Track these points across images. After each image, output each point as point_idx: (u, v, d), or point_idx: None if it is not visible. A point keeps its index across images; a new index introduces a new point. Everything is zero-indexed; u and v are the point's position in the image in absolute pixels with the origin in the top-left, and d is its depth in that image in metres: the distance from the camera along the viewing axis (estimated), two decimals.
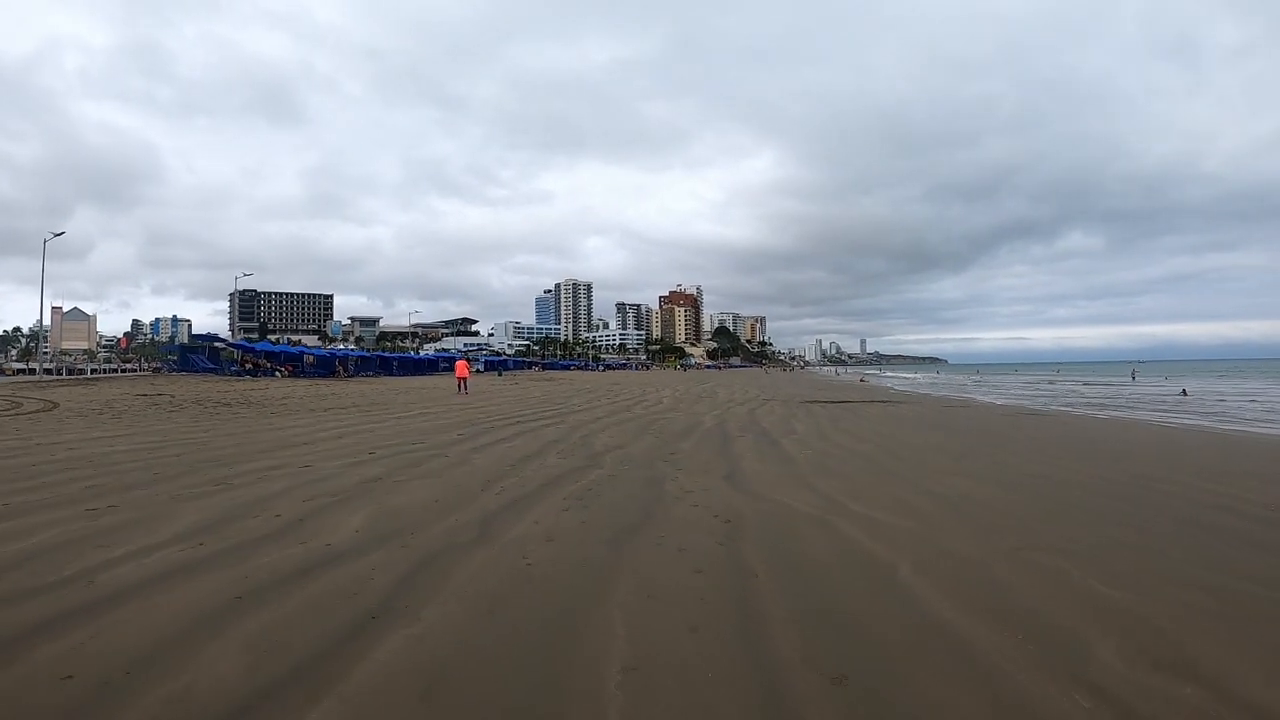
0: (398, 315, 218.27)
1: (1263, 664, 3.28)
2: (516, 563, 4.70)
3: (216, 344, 59.65)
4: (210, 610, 3.81)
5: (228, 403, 21.21)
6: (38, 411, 17.74)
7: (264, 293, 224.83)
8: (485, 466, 8.94)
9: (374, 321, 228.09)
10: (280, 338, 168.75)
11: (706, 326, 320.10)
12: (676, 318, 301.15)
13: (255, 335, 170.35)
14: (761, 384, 49.49)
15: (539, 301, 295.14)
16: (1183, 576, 4.60)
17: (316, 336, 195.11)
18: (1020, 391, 45.98)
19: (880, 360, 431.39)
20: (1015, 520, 6.17)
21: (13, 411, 17.85)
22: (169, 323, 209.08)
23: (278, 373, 48.29)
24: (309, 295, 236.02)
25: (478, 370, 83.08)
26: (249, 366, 49.49)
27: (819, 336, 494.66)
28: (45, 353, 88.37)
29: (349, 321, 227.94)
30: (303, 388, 31.87)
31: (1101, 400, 34.83)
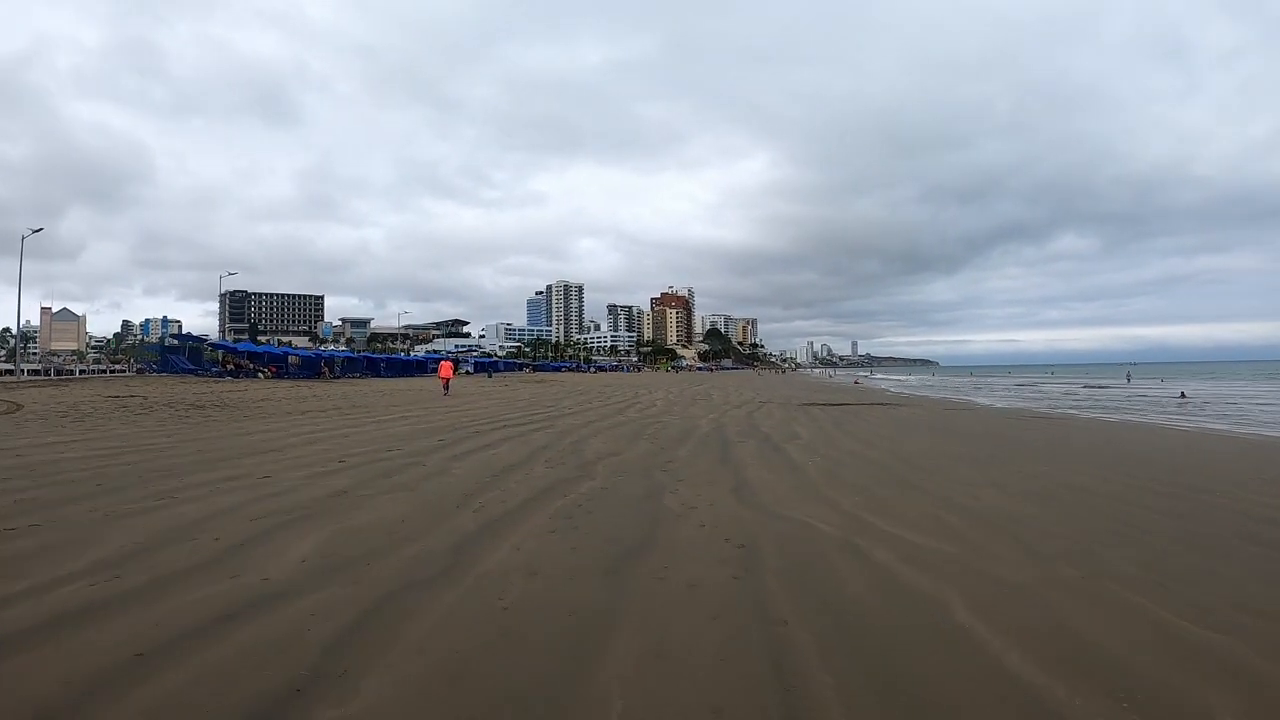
0: (389, 317, 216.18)
1: None
2: (490, 606, 3.86)
3: (199, 344, 58.47)
4: (100, 673, 2.98)
5: (201, 405, 20.23)
6: None
7: (255, 293, 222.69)
8: (465, 477, 8.10)
9: (365, 323, 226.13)
10: (271, 339, 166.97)
11: (698, 328, 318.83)
12: (668, 320, 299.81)
13: (245, 336, 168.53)
14: (755, 386, 48.72)
15: (530, 303, 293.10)
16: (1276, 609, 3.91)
17: (307, 338, 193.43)
18: (1019, 394, 45.47)
19: (872, 362, 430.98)
20: (1066, 541, 5.39)
21: None
22: (159, 324, 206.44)
23: (260, 374, 47.18)
24: (300, 296, 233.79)
25: (467, 372, 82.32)
26: (230, 367, 48.38)
27: (811, 338, 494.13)
28: (33, 353, 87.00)
29: (340, 323, 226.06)
30: (284, 389, 30.86)
31: (1104, 403, 34.28)
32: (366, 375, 60.30)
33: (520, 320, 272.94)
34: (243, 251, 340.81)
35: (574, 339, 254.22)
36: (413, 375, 65.28)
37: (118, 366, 65.35)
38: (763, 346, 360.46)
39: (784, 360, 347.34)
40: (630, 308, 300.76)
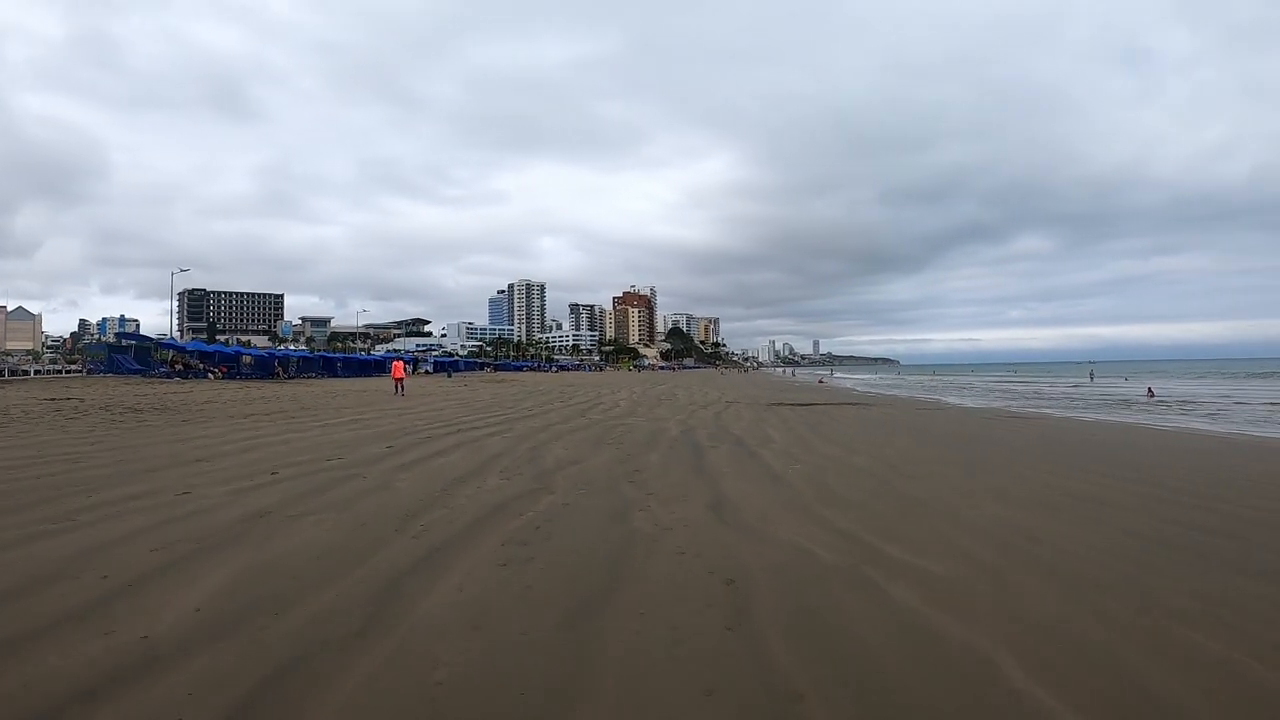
0: (350, 316, 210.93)
1: None
2: (421, 681, 2.95)
3: (146, 344, 55.99)
4: None
5: (139, 409, 18.80)
6: None
7: (213, 292, 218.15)
8: (408, 492, 7.14)
9: (325, 322, 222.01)
10: (230, 338, 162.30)
11: (660, 328, 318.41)
12: (630, 319, 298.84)
13: (203, 336, 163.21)
14: (719, 385, 48.04)
15: (492, 302, 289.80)
16: None
17: (267, 337, 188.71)
18: (986, 392, 45.52)
19: (833, 361, 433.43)
20: (1105, 569, 4.64)
21: None
22: (116, 322, 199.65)
23: (210, 375, 45.14)
24: (259, 295, 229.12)
25: (426, 371, 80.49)
26: (179, 368, 46.21)
27: (773, 337, 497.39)
28: None
29: (300, 322, 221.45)
30: (232, 391, 29.28)
31: (1074, 400, 34.25)
32: (323, 375, 58.34)
33: (482, 319, 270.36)
34: (201, 249, 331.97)
35: (536, 338, 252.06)
36: (371, 375, 63.31)
37: (73, 367, 62.63)
38: (725, 345, 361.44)
39: (746, 359, 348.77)
40: (592, 307, 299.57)
